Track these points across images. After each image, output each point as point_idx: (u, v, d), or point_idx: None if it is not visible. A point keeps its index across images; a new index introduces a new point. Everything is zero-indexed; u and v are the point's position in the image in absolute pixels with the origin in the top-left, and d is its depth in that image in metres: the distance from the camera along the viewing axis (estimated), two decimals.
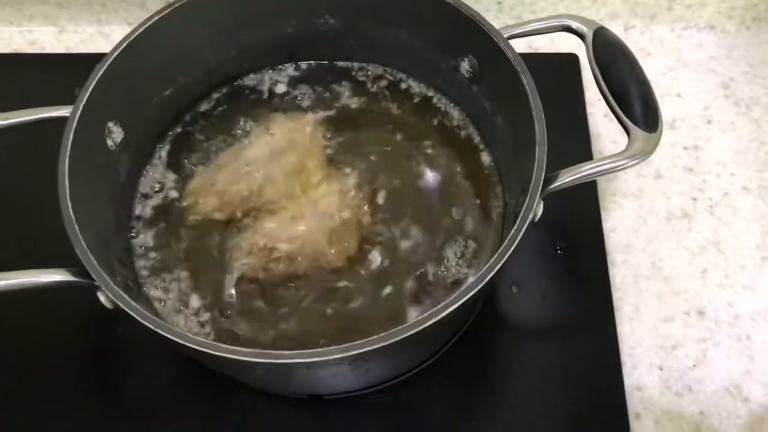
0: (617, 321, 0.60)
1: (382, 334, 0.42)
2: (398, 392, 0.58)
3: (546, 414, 0.57)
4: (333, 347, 0.42)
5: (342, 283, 0.56)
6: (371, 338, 0.42)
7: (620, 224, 0.66)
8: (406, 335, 0.41)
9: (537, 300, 0.62)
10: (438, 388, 0.58)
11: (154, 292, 0.56)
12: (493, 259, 0.45)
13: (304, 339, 0.53)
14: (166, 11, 0.57)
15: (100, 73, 0.54)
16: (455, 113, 0.64)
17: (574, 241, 0.65)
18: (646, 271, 0.63)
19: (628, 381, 0.58)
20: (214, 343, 0.42)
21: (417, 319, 0.43)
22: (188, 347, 0.42)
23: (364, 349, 0.42)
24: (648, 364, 0.59)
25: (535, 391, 0.58)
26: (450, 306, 0.43)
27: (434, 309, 0.43)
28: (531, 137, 0.50)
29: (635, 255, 0.64)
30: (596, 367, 0.59)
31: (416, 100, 0.65)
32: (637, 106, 0.52)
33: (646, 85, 0.53)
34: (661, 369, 0.59)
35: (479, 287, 0.44)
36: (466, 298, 0.43)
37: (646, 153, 0.50)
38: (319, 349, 0.42)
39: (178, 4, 0.58)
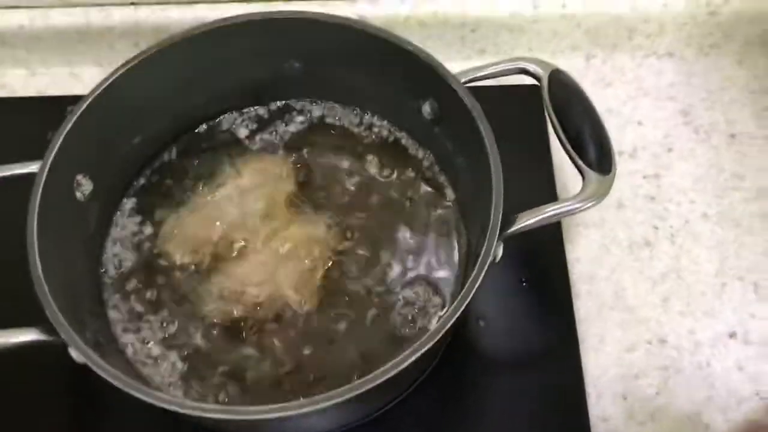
0: (582, 352, 0.62)
1: (346, 387, 0.44)
2: (370, 430, 0.59)
3: None
4: (300, 401, 0.44)
5: (312, 327, 0.57)
6: (336, 390, 0.44)
7: (584, 254, 0.67)
8: (365, 388, 0.43)
9: (503, 333, 0.64)
10: (409, 424, 0.60)
11: (128, 340, 0.57)
12: (453, 306, 0.47)
13: (278, 383, 0.55)
14: (136, 61, 0.58)
15: (69, 126, 0.54)
16: (421, 153, 0.65)
17: (539, 273, 0.66)
18: (610, 300, 0.65)
19: (593, 411, 0.60)
20: (181, 400, 0.43)
21: (378, 371, 0.44)
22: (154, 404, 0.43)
23: (332, 402, 0.44)
24: (612, 394, 0.61)
25: (503, 424, 0.60)
26: (409, 357, 0.44)
27: (395, 360, 0.44)
28: (489, 181, 0.52)
29: (599, 285, 0.66)
30: (562, 398, 0.60)
31: (384, 139, 0.67)
32: (591, 149, 0.54)
33: (600, 128, 0.55)
34: (624, 398, 0.61)
35: (438, 336, 0.45)
36: (426, 347, 0.45)
37: (600, 196, 0.52)
38: (285, 404, 0.43)
39: (147, 54, 0.58)
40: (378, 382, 0.44)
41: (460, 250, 0.61)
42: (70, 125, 0.54)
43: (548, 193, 0.68)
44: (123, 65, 0.58)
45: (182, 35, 0.60)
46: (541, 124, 0.74)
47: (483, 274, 0.48)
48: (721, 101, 0.78)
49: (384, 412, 0.59)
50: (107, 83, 0.57)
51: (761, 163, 0.73)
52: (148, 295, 0.59)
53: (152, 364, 0.56)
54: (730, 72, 0.80)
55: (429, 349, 0.45)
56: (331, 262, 0.60)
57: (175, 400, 0.43)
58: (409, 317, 0.58)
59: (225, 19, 0.61)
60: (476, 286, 0.48)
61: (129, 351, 0.56)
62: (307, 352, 0.56)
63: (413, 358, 0.44)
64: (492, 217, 0.50)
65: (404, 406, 0.60)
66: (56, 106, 0.55)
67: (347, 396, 0.43)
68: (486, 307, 0.64)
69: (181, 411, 0.43)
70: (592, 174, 0.52)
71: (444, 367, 0.61)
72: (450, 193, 0.64)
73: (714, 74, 0.80)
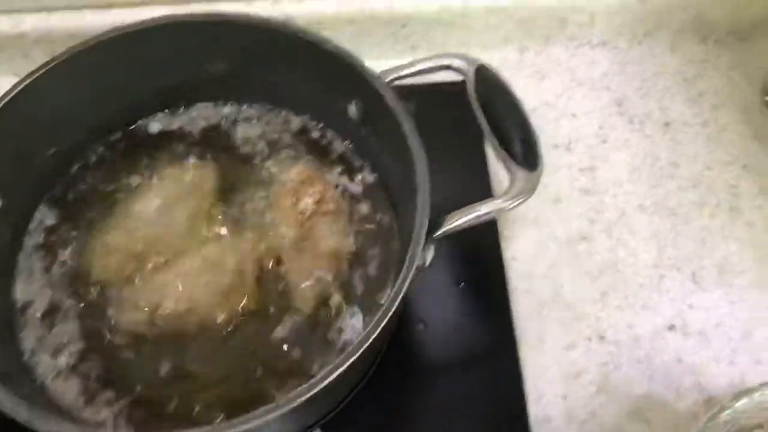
0: (521, 351, 0.61)
1: (264, 408, 0.42)
2: None
3: None
4: (223, 424, 0.42)
5: (235, 341, 0.55)
6: (259, 410, 0.42)
7: (521, 252, 0.66)
8: (279, 412, 0.41)
9: (443, 336, 0.62)
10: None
11: (39, 363, 0.54)
12: (377, 317, 0.45)
13: (198, 400, 0.52)
14: (44, 69, 0.55)
15: None
16: (351, 154, 0.63)
17: (476, 273, 0.65)
18: (548, 298, 0.64)
19: (534, 412, 0.59)
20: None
21: (299, 389, 0.42)
22: None
23: (254, 423, 0.42)
24: (553, 394, 0.60)
25: (444, 427, 0.59)
26: (329, 376, 0.42)
27: (320, 375, 0.43)
28: (415, 186, 0.50)
29: (537, 282, 0.65)
30: (502, 400, 0.59)
31: (313, 141, 0.64)
32: (517, 145, 0.52)
33: (526, 124, 0.53)
34: (565, 398, 0.60)
35: (362, 349, 0.43)
36: (351, 360, 0.43)
37: (527, 192, 0.51)
38: (207, 428, 0.41)
39: (56, 61, 0.56)
40: (300, 401, 0.42)
41: (395, 258, 0.59)
42: None
43: (483, 191, 0.67)
44: (30, 74, 0.55)
45: (94, 40, 0.58)
46: (476, 122, 0.72)
47: (408, 280, 0.46)
48: (655, 89, 0.77)
49: (324, 424, 0.58)
50: (13, 94, 0.55)
51: (695, 150, 0.73)
52: (61, 314, 0.56)
53: (64, 387, 0.52)
54: (664, 59, 0.80)
55: (355, 362, 0.43)
56: (255, 276, 0.57)
57: None
58: (340, 328, 0.56)
59: (140, 23, 0.58)
60: (401, 294, 0.46)
61: (40, 375, 0.53)
62: (231, 366, 0.54)
63: (333, 377, 0.42)
64: (417, 220, 0.48)
65: (345, 414, 0.58)
66: None
67: (265, 418, 0.41)
68: (425, 310, 0.63)
69: None
70: (518, 171, 0.51)
71: (384, 371, 0.60)
72: (383, 197, 0.61)
73: (648, 62, 0.79)
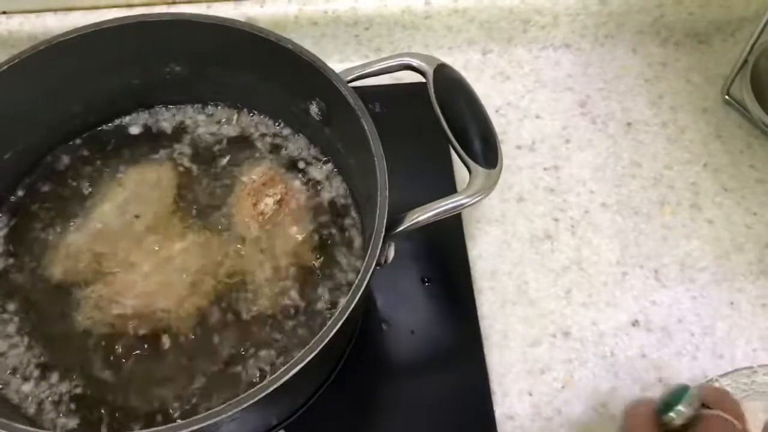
0: (486, 349, 0.61)
1: (228, 403, 0.41)
2: None
3: None
4: (178, 423, 0.41)
5: (195, 342, 0.54)
6: (222, 406, 0.41)
7: (486, 250, 0.66)
8: (239, 407, 0.40)
9: (407, 335, 0.62)
10: None
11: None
12: (334, 317, 0.45)
13: (160, 400, 0.52)
14: (1, 69, 0.54)
15: None
16: (314, 154, 0.63)
17: (441, 272, 0.65)
18: (513, 296, 0.64)
19: (500, 410, 0.59)
20: None
21: (260, 384, 0.42)
22: None
23: (216, 419, 0.41)
24: (518, 391, 0.60)
25: (409, 427, 0.58)
26: (292, 369, 0.42)
27: (279, 372, 0.42)
28: (375, 183, 0.50)
29: (501, 280, 0.65)
30: (467, 398, 0.59)
31: (274, 141, 0.64)
32: (477, 143, 0.53)
33: (486, 122, 0.54)
34: (530, 395, 0.60)
35: (319, 348, 0.43)
36: (307, 360, 0.43)
37: (486, 189, 0.51)
38: (171, 425, 0.41)
39: (9, 64, 0.55)
40: (259, 397, 0.41)
41: (358, 254, 0.59)
42: None
43: (446, 189, 0.67)
44: None
45: (53, 40, 0.56)
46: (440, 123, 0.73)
47: (368, 277, 0.46)
48: (617, 90, 0.78)
49: (289, 424, 0.57)
50: None
51: (657, 149, 0.74)
52: (19, 318, 0.55)
53: (24, 398, 0.52)
54: (625, 61, 0.81)
55: (314, 360, 0.43)
56: (218, 276, 0.56)
57: None
58: (304, 326, 0.55)
59: (98, 23, 0.57)
60: (362, 289, 0.46)
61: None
62: (194, 365, 0.53)
63: (291, 374, 0.42)
64: (377, 217, 0.48)
65: (310, 415, 0.58)
66: None
67: (228, 413, 0.41)
68: (389, 309, 0.63)
69: None
70: (478, 168, 0.51)
71: (348, 373, 0.60)
72: (347, 196, 0.61)
73: (610, 64, 0.80)
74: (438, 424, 0.58)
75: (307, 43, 0.56)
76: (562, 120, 0.75)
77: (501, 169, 0.52)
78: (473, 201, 0.50)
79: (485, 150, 0.52)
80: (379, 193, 0.49)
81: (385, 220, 0.48)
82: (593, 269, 0.66)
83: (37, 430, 0.41)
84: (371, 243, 0.47)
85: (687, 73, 0.80)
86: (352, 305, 0.45)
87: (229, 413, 0.41)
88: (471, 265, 0.65)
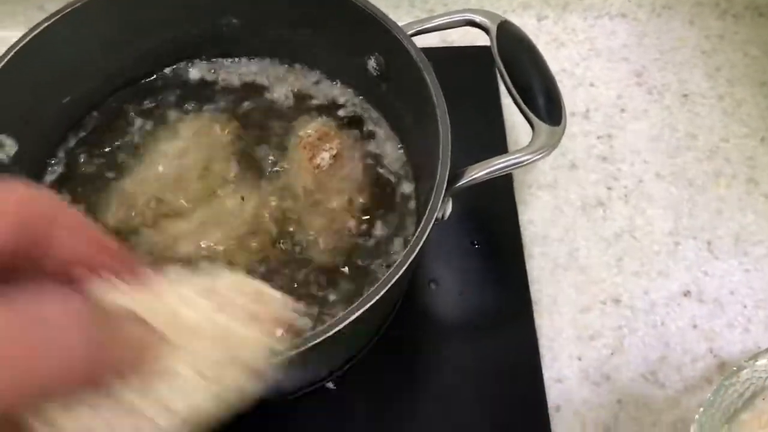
0: (536, 313, 0.61)
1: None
2: (321, 395, 0.57)
3: (467, 409, 0.57)
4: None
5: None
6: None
7: (537, 216, 0.66)
8: (309, 345, 0.40)
9: (455, 296, 0.62)
10: (362, 388, 0.58)
11: None
12: (398, 262, 0.44)
13: None
14: (56, 17, 0.54)
15: None
16: (368, 110, 0.63)
17: (491, 235, 0.65)
18: (563, 261, 0.64)
19: (548, 374, 0.58)
20: None
21: (322, 327, 0.41)
22: None
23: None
24: (567, 356, 0.59)
25: (456, 387, 0.58)
26: (354, 312, 0.42)
27: (337, 318, 0.42)
28: (437, 135, 0.49)
29: (552, 246, 0.64)
30: (516, 361, 0.59)
31: (328, 97, 0.64)
32: (541, 99, 0.52)
33: (550, 79, 0.53)
34: (579, 359, 0.59)
35: (383, 293, 0.43)
36: (367, 306, 0.42)
37: (550, 146, 0.50)
38: None
39: (69, 9, 0.55)
40: (314, 342, 0.41)
41: (410, 210, 0.59)
42: None
43: (499, 148, 0.67)
44: (44, 20, 0.54)
45: None
46: (493, 84, 0.72)
47: (429, 228, 0.46)
48: (674, 62, 0.77)
49: (337, 377, 0.58)
50: (27, 40, 0.53)
51: (713, 122, 0.72)
52: None
53: None
54: (682, 32, 0.79)
55: (371, 309, 0.43)
56: (273, 226, 0.56)
57: None
58: (358, 274, 0.55)
59: None
60: (422, 240, 0.45)
61: None
62: None
63: (355, 315, 0.41)
64: (439, 170, 0.48)
65: (357, 369, 0.58)
66: None
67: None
68: (438, 270, 0.63)
69: None
70: (542, 125, 0.51)
71: (396, 330, 0.60)
72: (401, 153, 0.61)
73: (666, 35, 0.79)
74: (485, 385, 0.58)
75: None
76: (617, 89, 0.74)
77: (565, 126, 0.51)
78: (536, 158, 0.50)
79: (549, 107, 0.51)
80: (440, 143, 0.49)
81: (447, 171, 0.47)
82: (646, 239, 0.65)
83: None
84: (433, 193, 0.47)
85: (745, 46, 0.78)
86: (413, 255, 0.45)
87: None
88: (521, 230, 0.64)
